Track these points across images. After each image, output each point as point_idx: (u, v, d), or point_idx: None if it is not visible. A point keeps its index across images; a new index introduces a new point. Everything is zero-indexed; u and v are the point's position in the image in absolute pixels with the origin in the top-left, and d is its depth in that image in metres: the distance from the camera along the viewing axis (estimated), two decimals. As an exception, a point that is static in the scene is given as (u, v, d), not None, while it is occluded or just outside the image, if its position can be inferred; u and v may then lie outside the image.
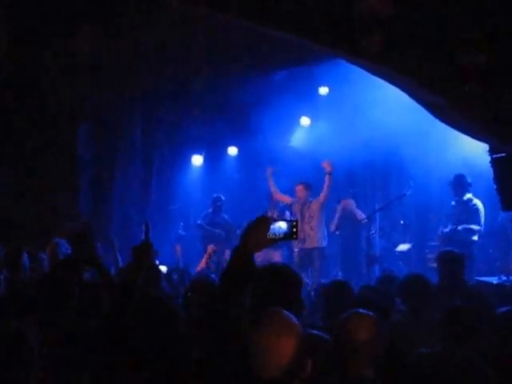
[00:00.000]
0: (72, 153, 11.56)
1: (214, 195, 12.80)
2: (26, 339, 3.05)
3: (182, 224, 13.69)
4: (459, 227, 10.13)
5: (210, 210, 12.84)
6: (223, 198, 12.74)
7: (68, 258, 6.68)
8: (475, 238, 10.12)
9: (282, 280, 3.84)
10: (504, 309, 4.90)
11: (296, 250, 11.32)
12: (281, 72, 12.74)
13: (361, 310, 3.61)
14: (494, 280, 8.56)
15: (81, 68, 10.87)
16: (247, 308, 3.03)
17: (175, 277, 7.66)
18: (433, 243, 11.46)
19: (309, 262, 10.94)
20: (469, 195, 10.26)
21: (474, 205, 10.18)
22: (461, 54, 6.60)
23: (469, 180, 10.27)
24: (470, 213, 10.17)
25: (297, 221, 3.16)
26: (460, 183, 10.31)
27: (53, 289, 4.55)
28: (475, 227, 10.10)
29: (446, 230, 10.40)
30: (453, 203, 10.50)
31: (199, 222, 12.82)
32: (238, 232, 11.18)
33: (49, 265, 7.38)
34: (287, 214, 11.78)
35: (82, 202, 11.71)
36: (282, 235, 3.03)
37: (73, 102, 11.31)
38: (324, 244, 11.17)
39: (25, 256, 7.03)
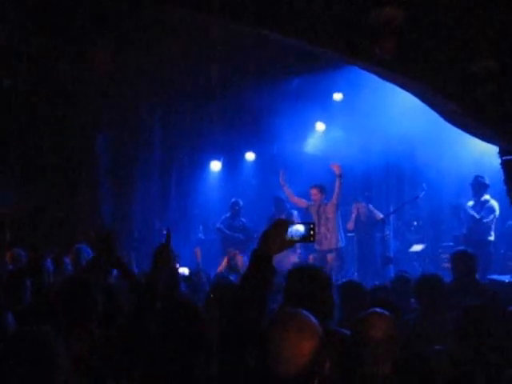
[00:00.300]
0: (92, 161, 11.66)
1: (233, 200, 12.76)
2: (53, 345, 2.95)
3: (201, 228, 13.76)
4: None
5: (229, 214, 12.81)
6: (241, 202, 12.72)
7: (91, 262, 6.72)
8: (491, 238, 10.27)
9: (315, 280, 3.86)
10: (515, 306, 4.96)
11: (314, 251, 11.35)
12: (296, 79, 12.78)
13: (378, 310, 3.64)
14: (507, 278, 8.50)
15: (99, 78, 10.93)
16: (267, 309, 3.02)
17: (195, 279, 7.61)
18: (446, 243, 11.60)
19: (326, 263, 10.90)
20: (487, 196, 10.39)
21: (490, 206, 10.30)
22: (473, 59, 6.64)
23: (487, 181, 10.37)
24: (486, 213, 10.30)
25: (314, 223, 3.13)
26: (479, 184, 10.44)
27: (75, 293, 4.43)
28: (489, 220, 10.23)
29: (464, 231, 10.53)
30: (471, 203, 10.58)
31: (218, 225, 12.81)
32: (256, 235, 11.08)
33: (72, 270, 7.40)
34: (295, 214, 11.90)
35: (104, 208, 11.79)
36: (299, 237, 3.03)
37: (92, 111, 11.39)
38: (341, 245, 11.25)
39: (48, 262, 6.96)
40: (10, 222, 10.59)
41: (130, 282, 4.82)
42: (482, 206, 10.38)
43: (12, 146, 10.81)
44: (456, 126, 8.20)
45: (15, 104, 10.54)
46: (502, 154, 8.05)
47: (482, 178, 10.44)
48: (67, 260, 7.59)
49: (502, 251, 11.10)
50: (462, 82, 6.81)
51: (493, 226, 10.33)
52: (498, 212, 10.27)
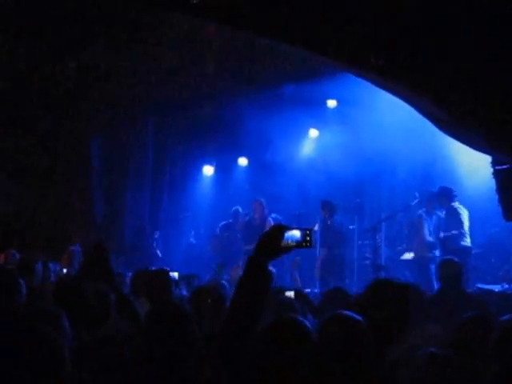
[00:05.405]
0: (86, 165, 11.77)
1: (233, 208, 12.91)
2: (58, 346, 2.79)
3: (192, 233, 13.80)
4: (447, 234, 10.30)
5: (231, 220, 12.87)
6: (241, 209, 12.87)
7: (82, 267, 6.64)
8: (465, 243, 10.15)
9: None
10: (506, 317, 5.04)
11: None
12: (290, 85, 12.64)
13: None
14: (496, 288, 8.60)
15: (94, 82, 10.98)
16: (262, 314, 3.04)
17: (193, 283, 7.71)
18: (435, 251, 11.59)
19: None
20: (455, 204, 10.36)
21: (459, 213, 10.25)
22: (467, 69, 6.55)
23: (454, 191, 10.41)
24: (454, 221, 10.28)
25: (310, 229, 3.12)
26: (444, 194, 10.48)
27: (67, 295, 4.48)
28: (461, 231, 10.20)
29: (441, 236, 10.53)
30: (443, 213, 10.61)
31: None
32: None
33: (66, 272, 7.62)
34: (270, 219, 11.96)
35: (97, 211, 11.87)
36: (295, 243, 3.02)
37: (86, 115, 11.45)
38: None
39: (39, 264, 7.02)
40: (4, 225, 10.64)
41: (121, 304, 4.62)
42: (450, 214, 10.38)
43: (5, 151, 10.81)
44: (449, 135, 8.18)
45: (8, 109, 10.56)
46: (494, 163, 8.03)
47: (447, 188, 10.49)
48: (51, 265, 7.71)
49: (493, 260, 11.08)
50: (455, 92, 6.73)
51: (464, 232, 10.25)
52: (466, 217, 10.24)
